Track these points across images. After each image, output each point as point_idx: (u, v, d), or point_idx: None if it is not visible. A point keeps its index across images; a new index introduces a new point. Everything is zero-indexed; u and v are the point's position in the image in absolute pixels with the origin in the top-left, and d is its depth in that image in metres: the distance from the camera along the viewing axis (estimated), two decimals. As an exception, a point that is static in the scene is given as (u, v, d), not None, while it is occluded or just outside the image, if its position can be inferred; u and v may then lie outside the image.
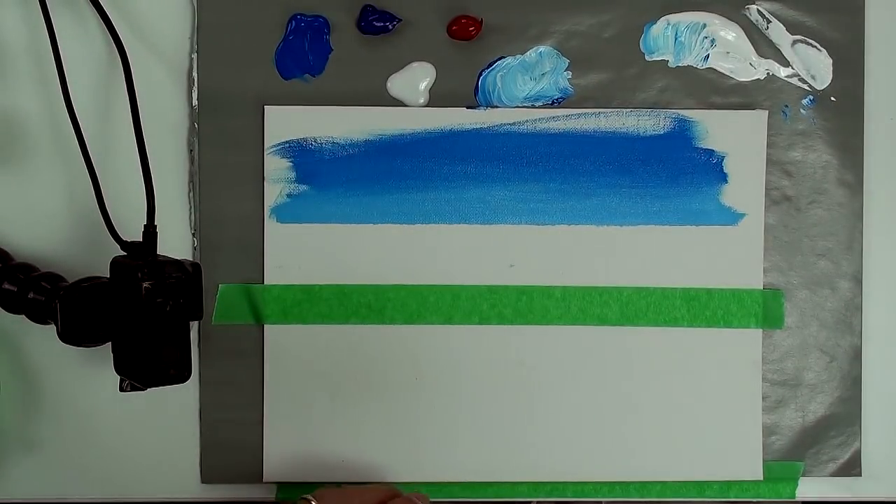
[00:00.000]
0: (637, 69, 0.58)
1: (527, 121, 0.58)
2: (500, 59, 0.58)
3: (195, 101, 0.57)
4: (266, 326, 0.58)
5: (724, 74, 0.59)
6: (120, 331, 0.50)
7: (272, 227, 0.58)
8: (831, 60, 0.59)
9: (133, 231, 0.52)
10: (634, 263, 0.59)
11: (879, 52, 0.59)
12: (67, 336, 0.50)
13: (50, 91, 0.57)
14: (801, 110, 0.59)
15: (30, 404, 0.58)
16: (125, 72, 0.53)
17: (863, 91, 0.59)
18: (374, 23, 0.57)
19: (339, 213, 0.58)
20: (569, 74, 0.58)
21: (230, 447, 0.58)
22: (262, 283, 0.58)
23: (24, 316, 0.53)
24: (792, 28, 0.59)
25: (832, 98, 0.59)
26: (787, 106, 0.59)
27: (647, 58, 0.58)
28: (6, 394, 0.58)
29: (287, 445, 0.58)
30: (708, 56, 0.58)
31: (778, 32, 0.59)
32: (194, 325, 0.58)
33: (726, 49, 0.58)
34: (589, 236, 0.59)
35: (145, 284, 0.48)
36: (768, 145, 0.59)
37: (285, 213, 0.58)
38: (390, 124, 0.58)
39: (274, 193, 0.58)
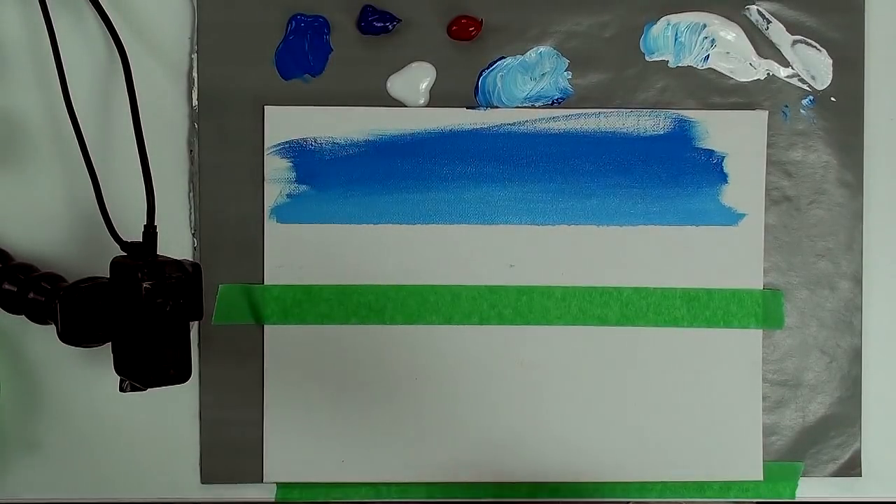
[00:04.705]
0: (637, 69, 0.58)
1: (527, 121, 0.58)
2: (500, 59, 0.58)
3: (195, 101, 0.57)
4: (266, 326, 0.58)
5: (724, 75, 0.59)
6: (120, 331, 0.50)
7: (272, 227, 0.58)
8: (831, 60, 0.59)
9: (133, 231, 0.52)
10: (634, 263, 0.59)
11: (879, 52, 0.59)
12: (67, 336, 0.50)
13: (50, 91, 0.57)
14: (801, 110, 0.59)
15: (30, 404, 0.58)
16: (125, 72, 0.53)
17: (863, 91, 0.59)
18: (374, 23, 0.57)
19: (339, 213, 0.58)
20: (569, 74, 0.58)
21: (230, 447, 0.58)
22: (262, 283, 0.58)
23: (24, 316, 0.53)
24: (792, 28, 0.59)
25: (832, 98, 0.59)
26: (787, 106, 0.59)
27: (647, 58, 0.58)
28: (6, 394, 0.58)
29: (287, 445, 0.58)
30: (708, 56, 0.58)
31: (778, 33, 0.59)
32: (194, 325, 0.58)
33: (726, 49, 0.58)
34: (589, 236, 0.59)
35: (145, 284, 0.48)
36: (768, 145, 0.59)
37: (285, 213, 0.58)
38: (390, 124, 0.58)
39: (274, 193, 0.58)
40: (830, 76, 0.59)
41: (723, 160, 0.59)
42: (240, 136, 0.58)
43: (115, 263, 0.50)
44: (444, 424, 0.59)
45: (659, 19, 0.58)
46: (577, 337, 0.59)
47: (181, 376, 0.50)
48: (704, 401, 0.59)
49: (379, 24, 0.57)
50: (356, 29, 0.57)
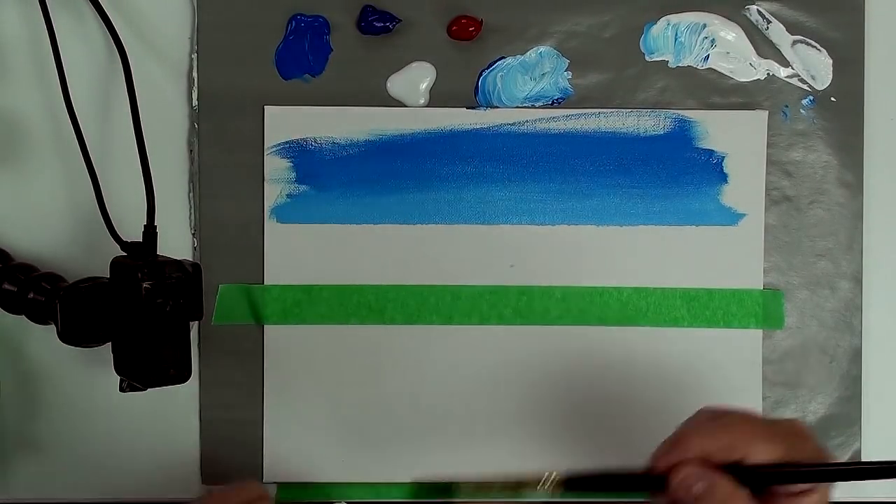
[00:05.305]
0: (637, 69, 0.58)
1: (527, 121, 0.58)
2: (500, 59, 0.58)
3: (195, 101, 0.57)
4: (266, 326, 0.58)
5: (724, 75, 0.59)
6: (120, 331, 0.50)
7: (272, 227, 0.58)
8: (831, 60, 0.59)
9: (133, 231, 0.52)
10: (634, 263, 0.59)
11: (879, 52, 0.59)
12: (67, 336, 0.50)
13: (50, 91, 0.57)
14: (801, 110, 0.59)
15: (30, 404, 0.58)
16: (125, 72, 0.53)
17: (863, 91, 0.59)
18: (374, 23, 0.57)
19: (339, 213, 0.58)
20: (569, 74, 0.58)
21: (230, 447, 0.58)
22: (262, 283, 0.58)
23: (24, 316, 0.53)
24: (792, 28, 0.59)
25: (832, 98, 0.59)
26: (787, 106, 0.59)
27: (647, 58, 0.58)
28: (6, 394, 0.58)
29: (287, 445, 0.58)
30: (708, 56, 0.58)
31: (778, 33, 0.59)
32: (194, 325, 0.58)
33: (726, 49, 0.58)
34: (589, 236, 0.59)
35: (145, 284, 0.48)
36: (768, 145, 0.59)
37: (285, 213, 0.58)
38: (390, 124, 0.58)
39: (274, 193, 0.58)
40: (830, 76, 0.59)
41: (723, 160, 0.59)
42: (240, 136, 0.58)
43: (115, 263, 0.50)
44: (444, 424, 0.59)
45: (659, 19, 0.58)
46: (577, 337, 0.59)
47: (181, 376, 0.50)
48: (704, 401, 0.59)
49: (379, 24, 0.57)
50: (356, 29, 0.57)
